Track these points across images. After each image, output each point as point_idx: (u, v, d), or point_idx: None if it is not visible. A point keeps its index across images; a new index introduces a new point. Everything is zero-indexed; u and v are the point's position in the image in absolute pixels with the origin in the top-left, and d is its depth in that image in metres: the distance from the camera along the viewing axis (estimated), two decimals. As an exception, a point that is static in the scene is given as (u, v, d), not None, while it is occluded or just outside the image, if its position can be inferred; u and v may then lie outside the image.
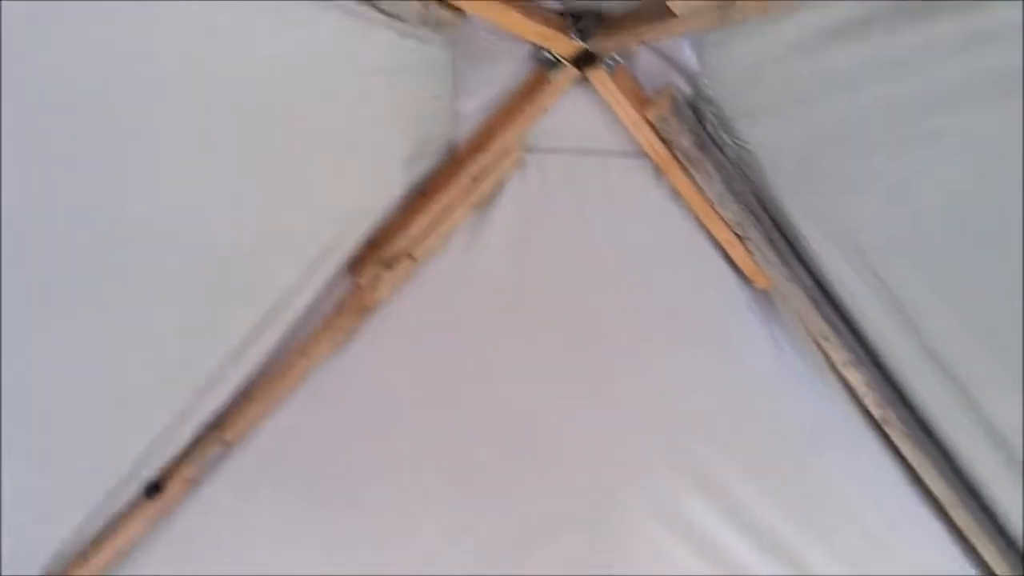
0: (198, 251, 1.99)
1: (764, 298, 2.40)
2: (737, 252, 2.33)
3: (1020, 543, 2.60)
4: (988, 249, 2.03)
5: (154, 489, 2.45)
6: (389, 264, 2.29)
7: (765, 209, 2.27)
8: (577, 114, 2.22)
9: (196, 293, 2.08)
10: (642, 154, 2.26)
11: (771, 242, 2.26)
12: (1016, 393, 2.22)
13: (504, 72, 2.17)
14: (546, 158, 2.29)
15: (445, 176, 2.25)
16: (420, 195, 2.27)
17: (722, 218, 2.27)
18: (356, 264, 2.31)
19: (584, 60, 2.08)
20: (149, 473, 2.42)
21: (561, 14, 2.03)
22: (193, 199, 1.90)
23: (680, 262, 2.36)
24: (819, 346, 2.34)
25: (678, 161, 2.23)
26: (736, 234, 2.28)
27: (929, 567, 2.69)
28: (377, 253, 2.29)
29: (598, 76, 2.11)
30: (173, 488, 2.45)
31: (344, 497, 2.49)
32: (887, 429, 2.40)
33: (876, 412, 2.37)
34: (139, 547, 2.49)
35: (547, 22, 2.00)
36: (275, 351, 2.36)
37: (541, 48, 2.08)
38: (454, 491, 2.55)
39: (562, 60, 2.08)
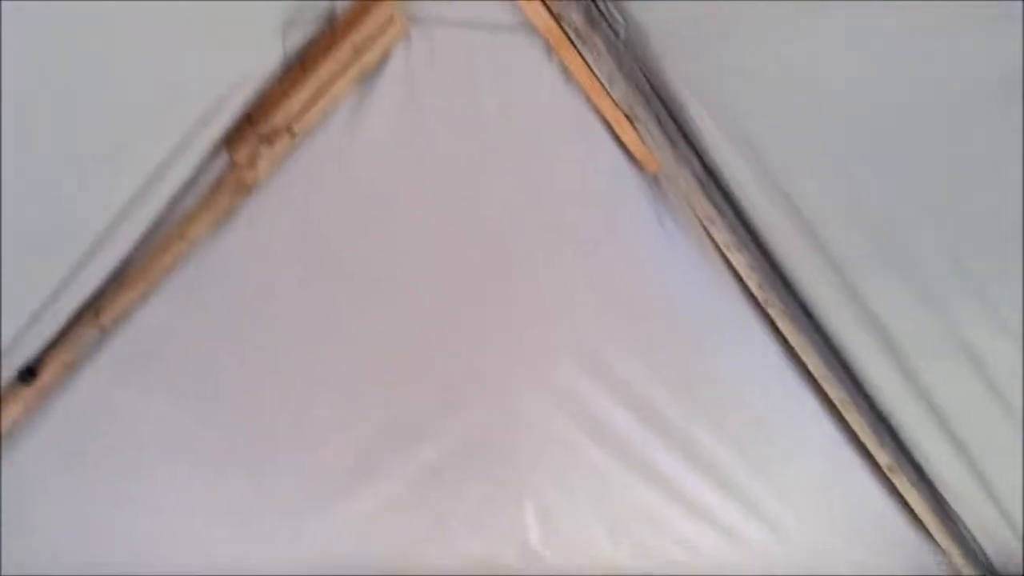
0: (63, 123, 1.87)
1: (653, 182, 2.38)
2: (627, 134, 2.30)
3: (890, 417, 2.74)
4: (871, 138, 2.05)
5: (29, 374, 2.37)
6: (268, 140, 2.19)
7: (655, 90, 2.24)
8: (465, -16, 2.12)
9: (62, 169, 1.96)
10: (532, 30, 2.18)
11: (660, 123, 2.24)
12: (891, 276, 2.30)
13: (385, -66, 2.04)
14: (434, 31, 2.19)
15: (325, 46, 2.14)
16: (299, 66, 2.15)
17: (612, 98, 2.23)
18: (233, 141, 2.20)
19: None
20: (23, 358, 2.34)
21: None
22: (51, 67, 1.77)
23: (570, 143, 2.32)
24: (705, 229, 2.35)
25: (568, 38, 2.16)
26: (626, 115, 2.25)
27: (807, 444, 2.82)
28: (255, 129, 2.18)
29: (485, -57, 2.01)
30: (49, 373, 2.37)
31: (228, 383, 2.46)
32: (769, 310, 2.45)
33: (758, 294, 2.42)
34: (17, 432, 2.42)
35: None
36: (150, 232, 2.26)
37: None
38: (343, 376, 2.54)
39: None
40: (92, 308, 2.32)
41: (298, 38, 2.11)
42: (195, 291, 2.33)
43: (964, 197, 2.05)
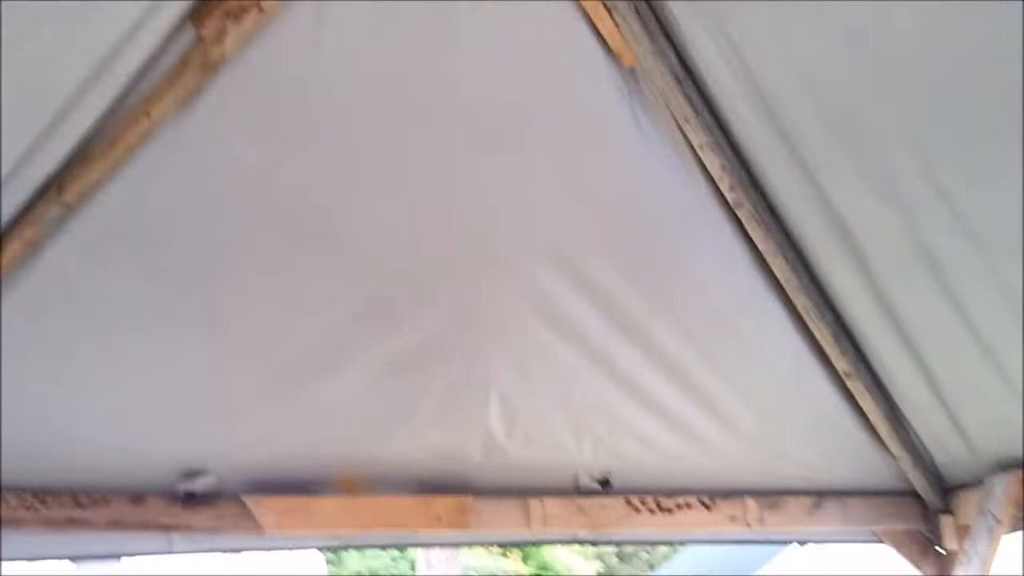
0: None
1: (629, 76, 2.35)
2: (606, 26, 2.25)
3: (851, 325, 2.78)
4: (850, 42, 2.02)
5: (-9, 250, 2.34)
6: (235, 16, 2.13)
7: (636, -21, 2.19)
8: None
9: (20, 41, 1.89)
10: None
11: (639, 15, 2.19)
12: (861, 182, 2.30)
13: None
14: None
15: (295, -81, 2.06)
16: (269, -62, 2.08)
17: (591, -14, 2.18)
18: (200, 15, 2.14)
19: None
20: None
21: None
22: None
23: (548, 34, 2.27)
24: (679, 127, 2.33)
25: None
26: (604, 3, 2.19)
27: (768, 347, 2.87)
28: (222, 3, 2.12)
29: None
30: (12, 249, 2.34)
31: (195, 263, 2.45)
32: (738, 212, 2.46)
33: (730, 196, 2.42)
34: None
35: None
36: (115, 108, 2.21)
37: None
38: (312, 262, 2.53)
39: None
40: (55, 185, 2.28)
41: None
42: (161, 169, 2.30)
43: (936, 103, 2.04)
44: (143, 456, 2.74)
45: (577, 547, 42.68)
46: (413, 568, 19.00)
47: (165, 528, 2.86)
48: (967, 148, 2.05)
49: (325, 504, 2.99)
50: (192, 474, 2.87)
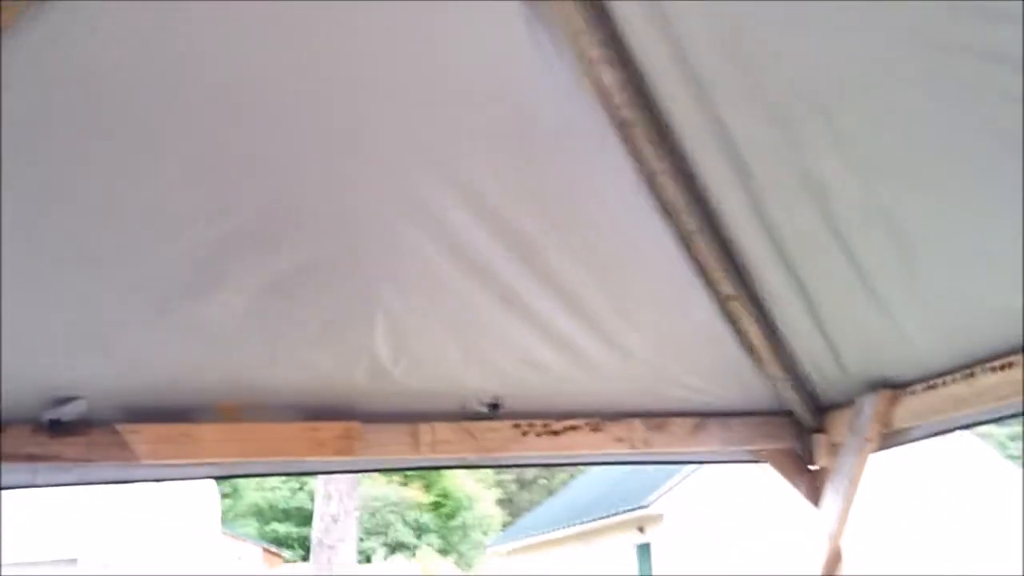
0: None
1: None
2: (495, -70, 2.15)
3: (737, 251, 2.82)
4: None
5: None
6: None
7: None
8: None
9: None
10: None
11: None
12: (754, 101, 2.30)
13: None
14: None
15: None
16: None
17: None
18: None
19: None
20: None
21: None
22: None
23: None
24: (575, 40, 2.26)
25: None
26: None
27: (654, 269, 2.88)
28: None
29: None
30: None
31: (65, 171, 2.27)
32: (630, 131, 2.43)
33: (621, 113, 2.38)
34: None
35: None
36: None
37: None
38: (173, 177, 2.38)
39: None
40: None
41: None
42: (29, 66, 2.08)
43: (831, 38, 2.05)
44: (6, 382, 2.57)
45: (479, 475, 43.59)
46: (313, 501, 19.03)
47: (31, 458, 2.72)
48: (856, 76, 2.07)
49: (204, 432, 2.90)
50: (60, 401, 2.73)
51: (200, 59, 2.20)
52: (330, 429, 3.01)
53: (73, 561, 13.65)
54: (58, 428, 2.72)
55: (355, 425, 3.01)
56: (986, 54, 1.86)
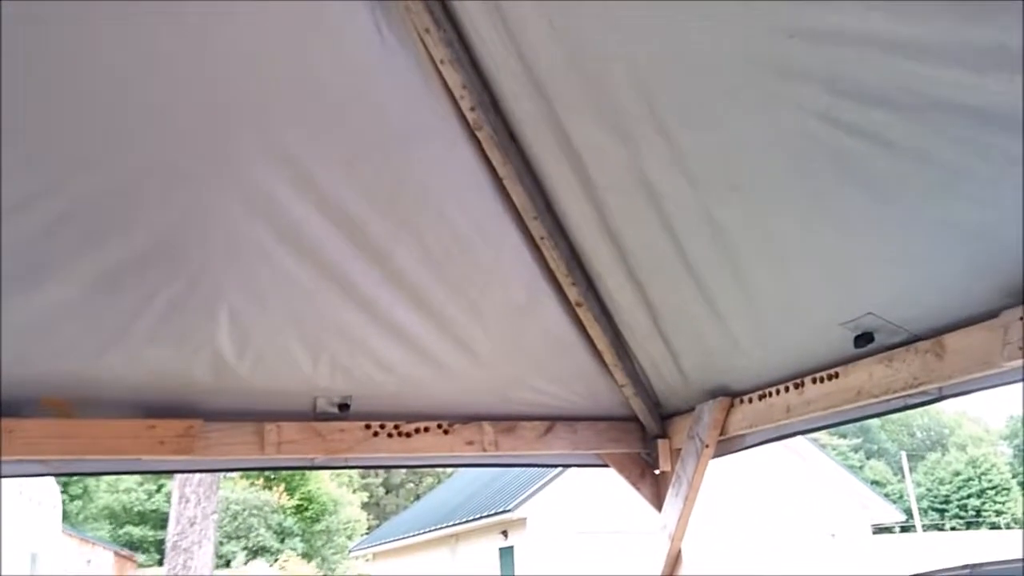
0: None
1: (372, -17, 2.24)
2: (346, -73, 2.13)
3: (582, 255, 2.88)
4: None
5: None
6: None
7: None
8: None
9: None
10: None
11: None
12: (594, 113, 2.35)
13: None
14: None
15: None
16: None
17: None
18: None
19: None
20: None
21: None
22: None
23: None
24: (421, 40, 2.26)
25: None
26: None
27: (505, 273, 2.91)
28: None
29: None
30: None
31: None
32: (478, 134, 2.44)
33: (469, 116, 2.40)
34: None
35: None
36: None
37: None
38: (18, 163, 2.23)
39: None
40: None
41: None
42: None
43: (673, 47, 2.10)
44: None
45: (344, 478, 42.78)
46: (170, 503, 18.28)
47: None
48: (687, 91, 2.14)
49: (32, 427, 2.74)
50: None
51: (41, 49, 2.08)
52: (169, 427, 2.89)
53: None
54: None
55: (195, 423, 2.91)
56: (794, 74, 1.96)
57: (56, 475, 3.96)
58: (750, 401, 3.14)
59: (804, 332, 2.78)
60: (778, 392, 3.01)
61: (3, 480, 12.89)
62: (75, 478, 32.68)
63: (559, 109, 2.36)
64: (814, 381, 2.86)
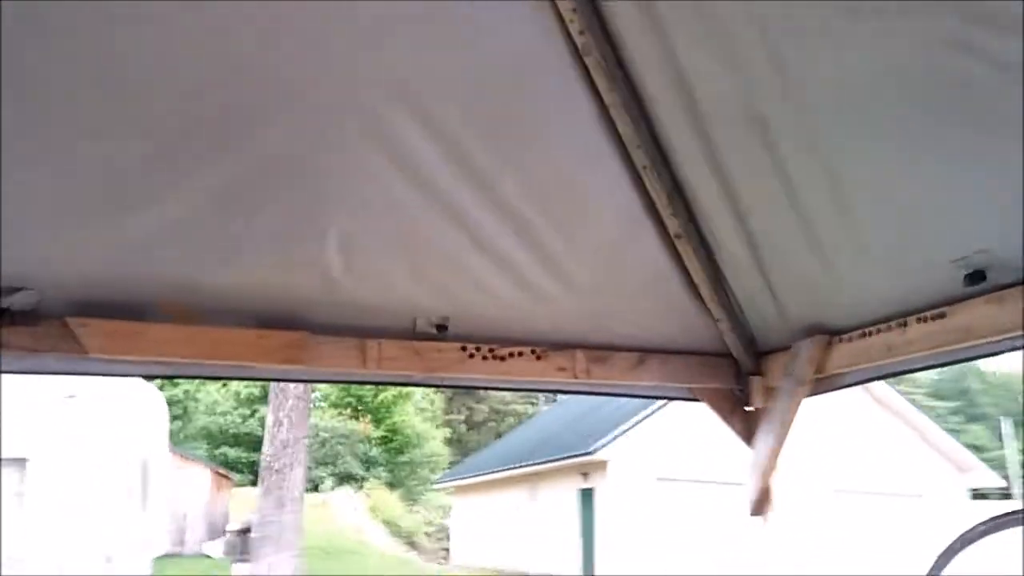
0: None
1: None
2: None
3: (686, 189, 2.88)
4: None
5: None
6: None
7: None
8: None
9: None
10: None
11: None
12: (705, 40, 2.34)
13: None
14: None
15: None
16: None
17: None
18: None
19: None
20: None
21: None
22: None
23: None
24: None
25: None
26: None
27: (605, 203, 2.94)
28: None
29: None
30: None
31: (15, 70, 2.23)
32: (586, 60, 2.45)
33: (578, 40, 2.41)
34: None
35: None
36: None
37: None
38: (126, 74, 2.35)
39: None
40: None
41: None
42: None
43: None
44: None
45: (428, 414, 43.67)
46: (263, 427, 19.10)
47: (-23, 343, 2.73)
48: (802, 16, 2.11)
49: (154, 330, 2.93)
50: (10, 291, 2.73)
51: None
52: (279, 337, 3.05)
53: (22, 461, 13.66)
54: (7, 317, 2.74)
55: (305, 335, 3.06)
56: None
57: (175, 377, 4.19)
58: (849, 340, 3.10)
59: (910, 269, 2.73)
60: (879, 331, 2.96)
61: (126, 382, 13.66)
62: (177, 398, 34.37)
63: (669, 34, 2.35)
64: (919, 320, 2.80)
